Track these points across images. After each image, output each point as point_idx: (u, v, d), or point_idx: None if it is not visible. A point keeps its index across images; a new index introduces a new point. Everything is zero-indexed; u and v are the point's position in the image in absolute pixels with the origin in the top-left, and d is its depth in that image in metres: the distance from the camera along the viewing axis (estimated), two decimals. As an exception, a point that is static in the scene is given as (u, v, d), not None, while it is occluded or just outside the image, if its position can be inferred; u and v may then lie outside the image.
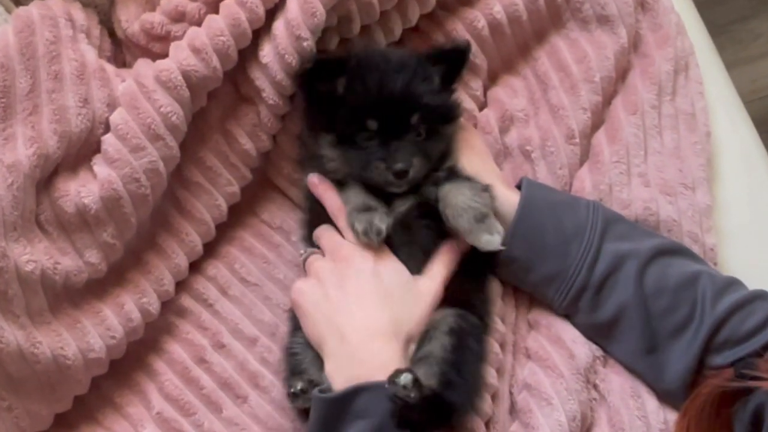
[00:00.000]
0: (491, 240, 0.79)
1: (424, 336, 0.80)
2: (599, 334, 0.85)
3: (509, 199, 0.85)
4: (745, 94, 1.67)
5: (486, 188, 0.82)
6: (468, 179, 0.83)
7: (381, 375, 0.74)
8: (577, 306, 0.84)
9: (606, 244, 0.83)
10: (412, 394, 0.72)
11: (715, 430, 0.72)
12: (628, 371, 0.86)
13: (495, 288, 0.88)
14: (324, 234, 0.85)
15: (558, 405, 0.83)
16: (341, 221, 0.83)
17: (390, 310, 0.79)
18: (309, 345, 0.83)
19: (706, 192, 0.94)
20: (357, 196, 0.83)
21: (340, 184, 0.85)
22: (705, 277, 0.82)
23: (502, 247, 0.80)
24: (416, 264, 0.83)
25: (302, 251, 0.87)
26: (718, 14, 1.78)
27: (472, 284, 0.85)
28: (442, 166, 0.85)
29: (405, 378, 0.72)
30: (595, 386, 0.86)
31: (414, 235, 0.83)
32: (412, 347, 0.79)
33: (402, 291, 0.80)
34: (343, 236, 0.83)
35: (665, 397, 0.84)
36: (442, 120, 0.85)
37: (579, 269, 0.83)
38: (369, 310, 0.79)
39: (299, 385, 0.80)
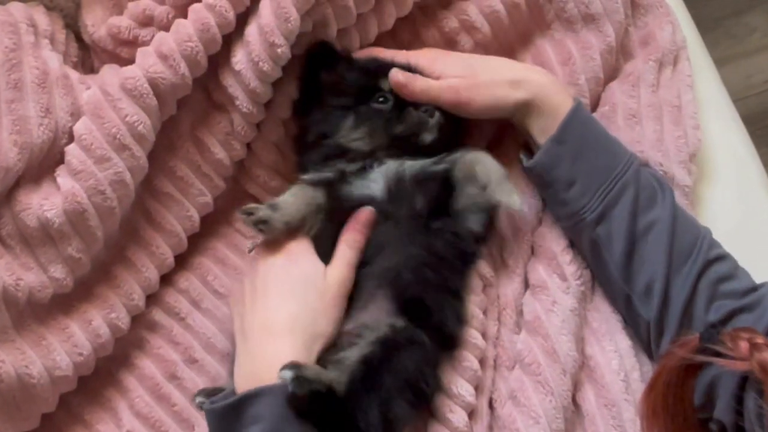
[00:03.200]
0: (517, 200, 0.81)
1: (353, 337, 0.77)
2: (625, 248, 0.82)
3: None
4: (740, 90, 1.65)
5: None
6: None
7: (269, 377, 0.71)
8: (614, 209, 0.82)
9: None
10: (291, 388, 0.69)
11: (682, 401, 0.70)
12: (603, 377, 0.83)
13: (477, 302, 0.85)
14: None
15: (545, 425, 0.80)
16: None
17: (288, 306, 0.76)
18: None
19: (682, 194, 0.91)
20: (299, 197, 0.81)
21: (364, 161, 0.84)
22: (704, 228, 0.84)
23: (522, 208, 0.83)
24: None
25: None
26: (712, 8, 1.74)
27: (442, 296, 0.81)
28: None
29: (284, 373, 0.70)
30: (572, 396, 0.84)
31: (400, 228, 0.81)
32: (319, 344, 0.75)
33: (305, 285, 0.78)
34: None
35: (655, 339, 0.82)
36: None
37: (627, 168, 0.83)
38: (268, 307, 0.77)
39: (197, 399, 0.80)
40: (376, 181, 0.83)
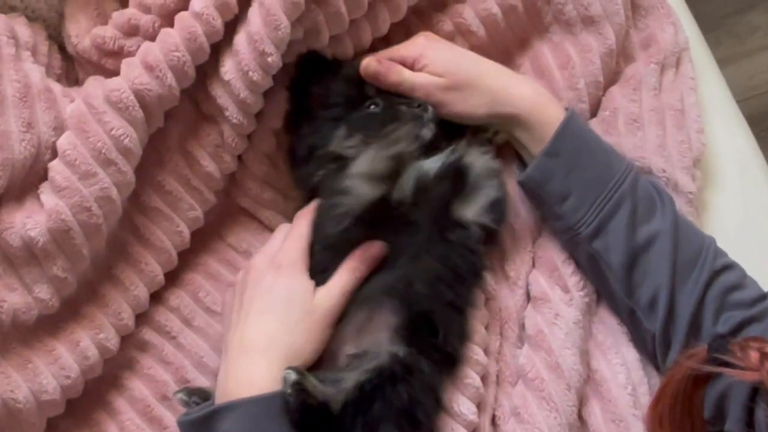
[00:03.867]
0: None
1: (353, 359, 0.74)
2: (625, 262, 0.79)
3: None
4: (742, 90, 1.62)
5: None
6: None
7: (242, 392, 0.70)
8: (611, 223, 0.79)
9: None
10: (288, 391, 0.69)
11: (690, 413, 0.67)
12: (610, 391, 0.81)
13: (479, 316, 0.83)
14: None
15: (550, 442, 0.78)
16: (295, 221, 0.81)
17: (268, 324, 0.74)
18: None
19: (686, 201, 0.88)
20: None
21: None
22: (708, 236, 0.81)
23: None
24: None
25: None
26: (713, 7, 1.71)
27: (449, 313, 0.78)
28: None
29: (289, 374, 0.69)
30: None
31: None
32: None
33: (289, 304, 0.75)
34: None
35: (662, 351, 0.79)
36: None
37: (623, 179, 0.80)
38: (248, 324, 0.75)
39: (178, 395, 0.78)
40: (406, 182, 0.80)
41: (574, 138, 0.82)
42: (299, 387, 0.69)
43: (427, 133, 0.81)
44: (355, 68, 0.84)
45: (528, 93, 0.83)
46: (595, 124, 0.90)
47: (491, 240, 0.84)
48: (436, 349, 0.77)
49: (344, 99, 0.83)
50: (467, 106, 0.82)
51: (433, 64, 0.83)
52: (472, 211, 0.80)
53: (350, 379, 0.72)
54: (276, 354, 0.73)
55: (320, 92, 0.84)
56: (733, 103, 1.03)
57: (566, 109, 0.84)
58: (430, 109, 0.82)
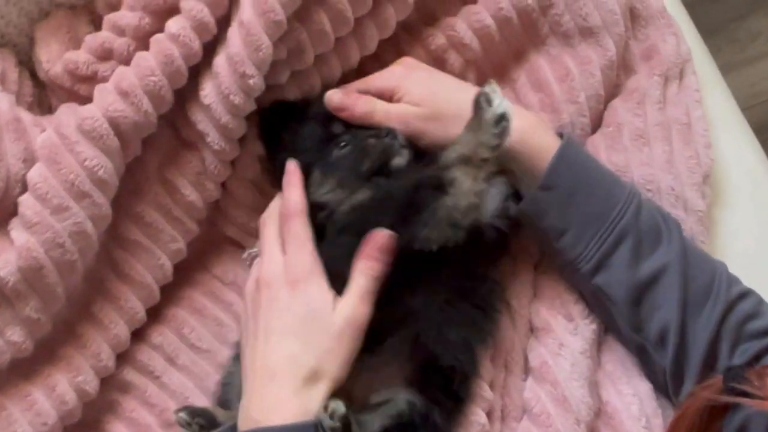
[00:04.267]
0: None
1: (376, 399, 0.72)
2: (630, 297, 0.75)
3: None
4: (744, 99, 1.58)
5: None
6: None
7: (270, 419, 0.67)
8: (612, 258, 0.75)
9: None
10: (335, 425, 0.66)
11: None
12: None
13: (484, 350, 0.79)
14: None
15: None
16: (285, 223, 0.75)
17: (289, 346, 0.70)
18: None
19: (696, 220, 0.84)
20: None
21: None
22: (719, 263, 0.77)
23: None
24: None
25: (244, 254, 0.81)
26: (712, 13, 1.67)
27: (462, 355, 0.75)
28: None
29: (337, 405, 0.67)
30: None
31: None
32: (324, 386, 0.69)
33: (310, 322, 0.70)
34: None
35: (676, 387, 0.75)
36: None
37: (624, 211, 0.75)
38: (271, 346, 0.71)
39: (180, 415, 0.75)
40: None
41: (570, 169, 0.77)
42: (346, 421, 0.66)
43: (400, 161, 0.78)
44: (323, 106, 0.80)
45: (519, 123, 0.76)
46: (599, 140, 0.86)
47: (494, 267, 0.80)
48: (449, 396, 0.74)
49: (313, 142, 0.79)
50: (447, 135, 0.77)
51: (410, 94, 0.79)
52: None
53: (375, 422, 0.70)
54: (301, 378, 0.68)
55: (290, 138, 0.80)
56: (739, 114, 0.99)
57: (560, 134, 0.79)
58: (399, 135, 0.78)
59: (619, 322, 0.77)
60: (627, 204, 0.76)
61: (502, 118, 0.72)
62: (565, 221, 0.76)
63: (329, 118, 0.79)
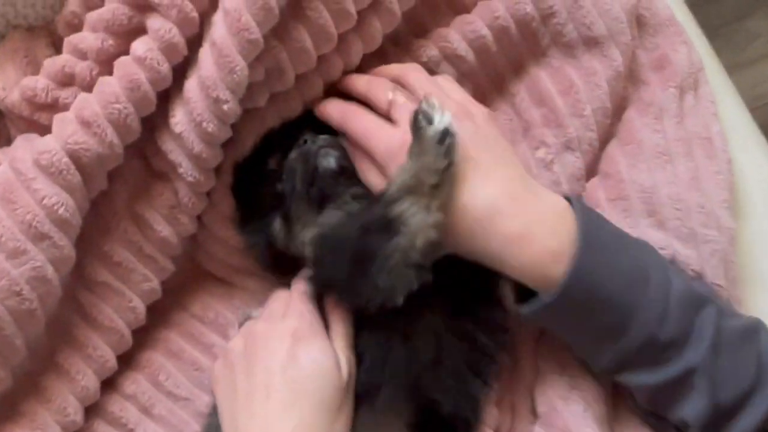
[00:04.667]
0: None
1: None
2: (655, 399, 0.67)
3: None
4: (746, 101, 1.53)
5: None
6: None
7: None
8: (629, 369, 0.66)
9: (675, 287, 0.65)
10: None
11: None
12: None
13: (490, 394, 0.73)
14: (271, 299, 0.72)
15: None
16: None
17: (298, 413, 0.62)
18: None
19: (728, 239, 0.78)
20: None
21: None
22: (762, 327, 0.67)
23: None
24: None
25: (240, 318, 0.75)
26: (710, 15, 1.64)
27: (463, 404, 0.70)
28: None
29: None
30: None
31: None
32: None
33: (318, 382, 0.64)
34: None
35: None
36: None
37: (646, 320, 0.64)
38: (271, 415, 0.63)
39: None
40: None
41: (585, 286, 0.64)
42: None
43: (329, 161, 0.72)
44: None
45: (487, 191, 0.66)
46: (619, 157, 0.80)
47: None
48: None
49: (270, 195, 0.74)
50: None
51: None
52: None
53: None
54: None
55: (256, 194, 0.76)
56: (749, 119, 0.95)
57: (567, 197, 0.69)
58: (320, 138, 0.74)
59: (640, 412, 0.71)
60: (652, 310, 0.65)
61: (445, 135, 0.64)
62: (576, 334, 0.68)
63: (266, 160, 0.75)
